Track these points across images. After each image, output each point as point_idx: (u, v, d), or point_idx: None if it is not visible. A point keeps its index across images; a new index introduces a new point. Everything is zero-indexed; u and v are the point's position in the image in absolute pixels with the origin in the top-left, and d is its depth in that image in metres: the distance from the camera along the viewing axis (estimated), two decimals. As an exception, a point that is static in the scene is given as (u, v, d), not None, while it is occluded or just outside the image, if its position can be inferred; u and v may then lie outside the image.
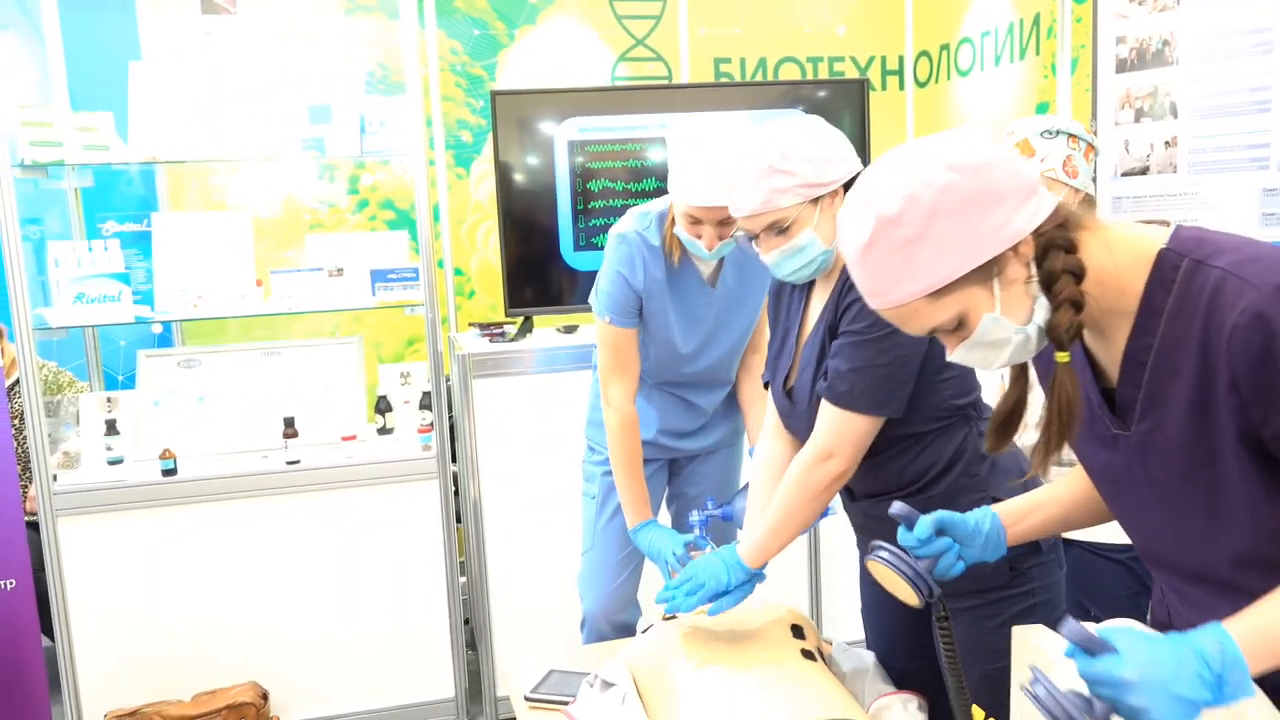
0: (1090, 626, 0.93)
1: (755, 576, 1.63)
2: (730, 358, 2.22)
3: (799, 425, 1.65)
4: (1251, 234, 2.12)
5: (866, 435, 1.53)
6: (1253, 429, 0.97)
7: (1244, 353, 0.94)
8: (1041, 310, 1.03)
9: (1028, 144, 1.91)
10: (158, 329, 3.19)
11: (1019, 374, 1.10)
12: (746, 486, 2.10)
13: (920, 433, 1.56)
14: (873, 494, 1.64)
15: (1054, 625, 1.03)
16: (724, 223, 1.90)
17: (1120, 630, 0.92)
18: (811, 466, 1.55)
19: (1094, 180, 1.90)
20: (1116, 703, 0.89)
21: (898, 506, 1.22)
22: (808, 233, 1.53)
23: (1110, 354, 1.08)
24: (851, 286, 1.52)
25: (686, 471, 2.37)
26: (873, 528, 1.68)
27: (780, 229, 1.54)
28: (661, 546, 2.00)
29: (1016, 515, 1.29)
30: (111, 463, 2.76)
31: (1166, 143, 2.26)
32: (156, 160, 2.75)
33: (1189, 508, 1.06)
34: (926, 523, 1.23)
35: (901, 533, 1.24)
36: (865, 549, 1.75)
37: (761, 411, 2.19)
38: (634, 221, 2.08)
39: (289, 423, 2.77)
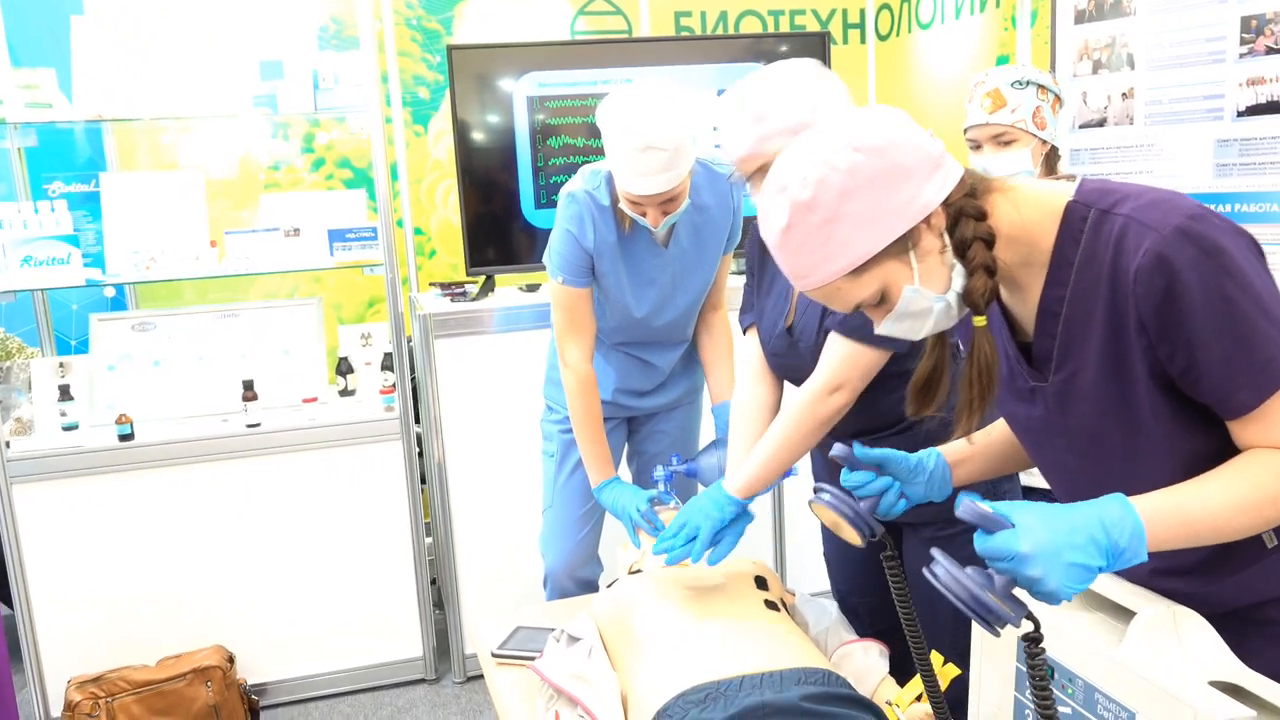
0: (987, 504, 0.95)
1: (745, 513, 1.66)
2: (687, 317, 2.22)
3: (799, 364, 1.68)
4: (1206, 184, 2.14)
5: (874, 368, 1.58)
6: (1163, 367, 1.00)
7: (1149, 294, 0.97)
8: (959, 278, 1.05)
9: (999, 93, 1.90)
10: (110, 292, 3.13)
11: (936, 339, 1.13)
12: (712, 444, 2.11)
13: (912, 369, 1.57)
14: (861, 432, 1.66)
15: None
16: (667, 200, 1.90)
17: (1017, 505, 0.95)
18: (819, 398, 1.58)
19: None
20: (1015, 575, 0.92)
21: (838, 448, 1.22)
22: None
23: (1026, 308, 1.11)
24: None
25: (646, 429, 2.37)
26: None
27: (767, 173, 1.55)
28: (626, 503, 2.01)
29: (961, 456, 1.31)
30: (66, 428, 2.71)
31: (1124, 94, 2.27)
32: (102, 118, 2.68)
33: (1107, 452, 1.09)
34: (866, 460, 1.23)
35: (844, 474, 1.25)
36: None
37: (724, 369, 2.20)
38: (584, 180, 2.05)
39: (248, 386, 2.73)
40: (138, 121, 2.89)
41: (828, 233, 1.03)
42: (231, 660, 2.70)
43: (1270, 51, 2.00)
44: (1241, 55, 2.04)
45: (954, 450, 1.31)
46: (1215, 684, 0.92)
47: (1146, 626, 1.00)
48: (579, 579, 2.32)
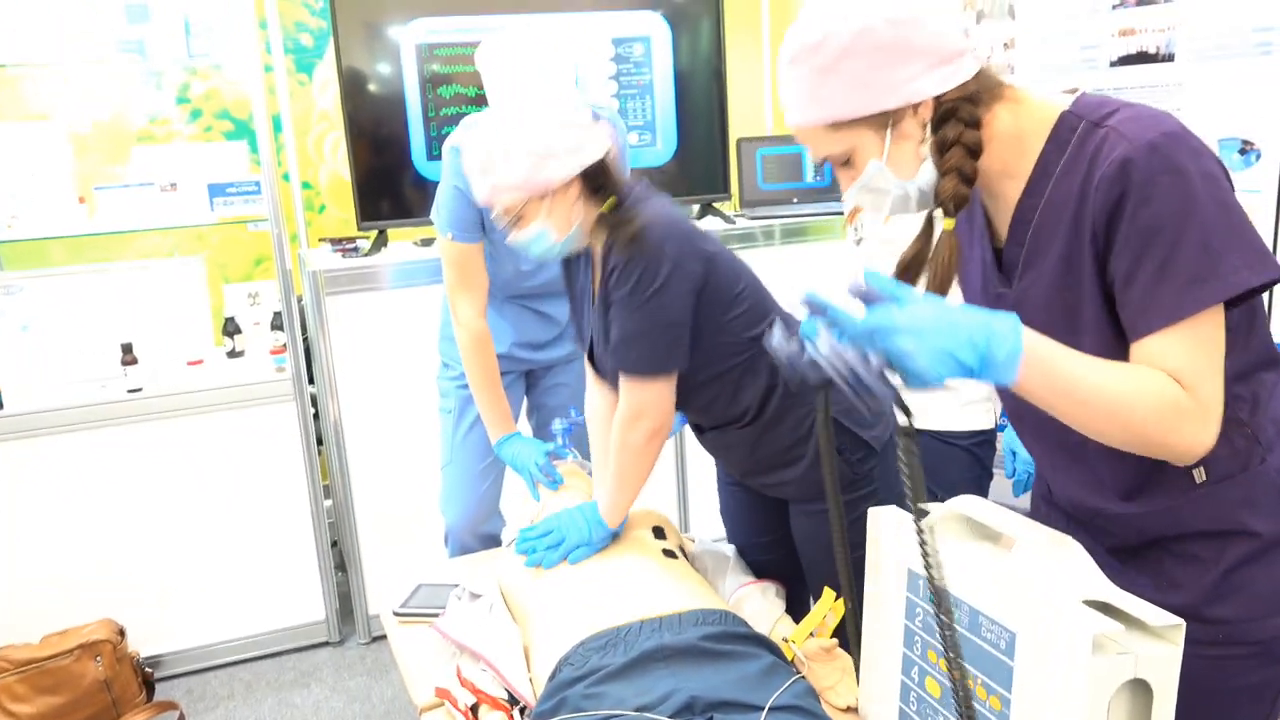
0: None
1: (614, 533, 1.67)
2: None
3: (612, 384, 1.67)
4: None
5: (665, 392, 1.57)
6: (1109, 285, 1.01)
7: (1105, 200, 0.98)
8: (926, 174, 1.06)
9: None
10: (-31, 254, 2.93)
11: (925, 228, 1.13)
12: None
13: (724, 370, 1.59)
14: (715, 426, 1.68)
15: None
16: (516, 217, 1.84)
17: (911, 290, 0.96)
18: (627, 428, 1.59)
19: None
20: (888, 350, 0.92)
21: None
22: (537, 224, 1.56)
23: (1005, 216, 1.12)
24: (611, 249, 1.53)
25: (544, 382, 2.36)
26: (723, 455, 1.76)
27: (515, 219, 1.58)
28: (525, 458, 2.00)
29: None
30: (-73, 400, 2.55)
31: (1005, 44, 2.33)
32: (-50, 65, 2.49)
33: None
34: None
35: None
36: (722, 472, 1.80)
37: None
38: (468, 133, 2.00)
39: (127, 349, 2.61)
40: (-8, 69, 2.69)
41: (820, 80, 1.04)
42: (122, 633, 2.61)
43: (1140, 4, 2.07)
44: (1114, 7, 2.11)
45: None
46: (1088, 603, 0.97)
47: (1025, 552, 1.05)
48: (481, 534, 2.31)
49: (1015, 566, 1.05)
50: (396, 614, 1.75)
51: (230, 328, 2.86)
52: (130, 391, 2.61)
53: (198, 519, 2.72)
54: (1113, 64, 2.14)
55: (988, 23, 2.35)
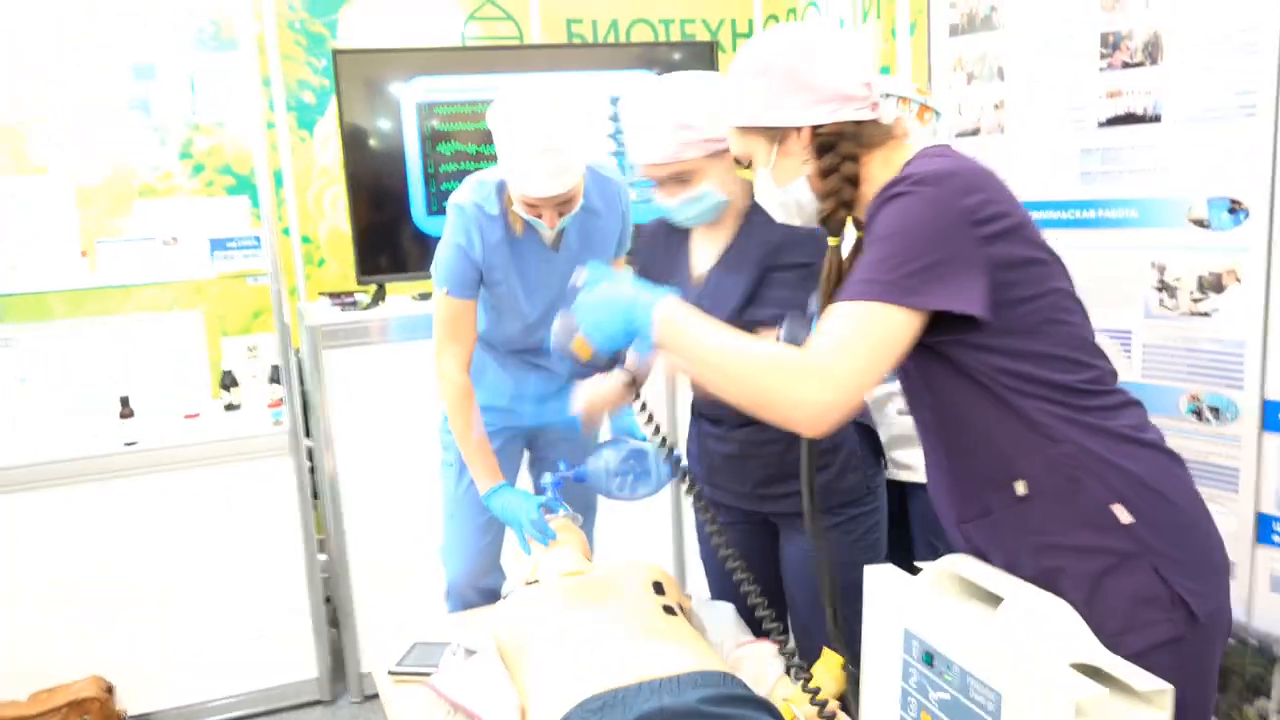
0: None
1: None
2: None
3: None
4: (1072, 191, 2.25)
5: None
6: None
7: (868, 221, 1.20)
8: (797, 189, 1.27)
9: None
10: (-31, 306, 2.94)
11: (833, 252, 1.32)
12: (600, 446, 2.11)
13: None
14: (755, 423, 1.68)
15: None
16: (563, 202, 1.90)
17: (605, 277, 1.30)
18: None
19: (935, 137, 1.98)
20: (580, 325, 1.29)
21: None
22: (707, 184, 1.63)
23: None
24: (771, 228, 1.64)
25: (545, 437, 2.36)
26: (750, 460, 1.76)
27: (682, 179, 1.63)
28: (516, 509, 1.99)
29: None
30: (-78, 453, 2.54)
31: (995, 105, 2.37)
32: (-43, 121, 2.52)
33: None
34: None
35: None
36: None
37: None
38: (471, 192, 2.02)
39: (124, 402, 2.61)
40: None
41: (740, 90, 1.27)
42: (110, 690, 2.57)
43: (1126, 66, 2.12)
44: (1101, 70, 2.16)
45: None
46: (1075, 665, 0.97)
47: (1014, 612, 1.05)
48: (481, 589, 2.29)
49: (1003, 626, 1.05)
50: (392, 673, 1.73)
51: (228, 380, 2.86)
52: (126, 444, 2.61)
53: (191, 573, 2.70)
54: (1101, 124, 2.18)
55: (978, 84, 2.40)
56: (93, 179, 3.15)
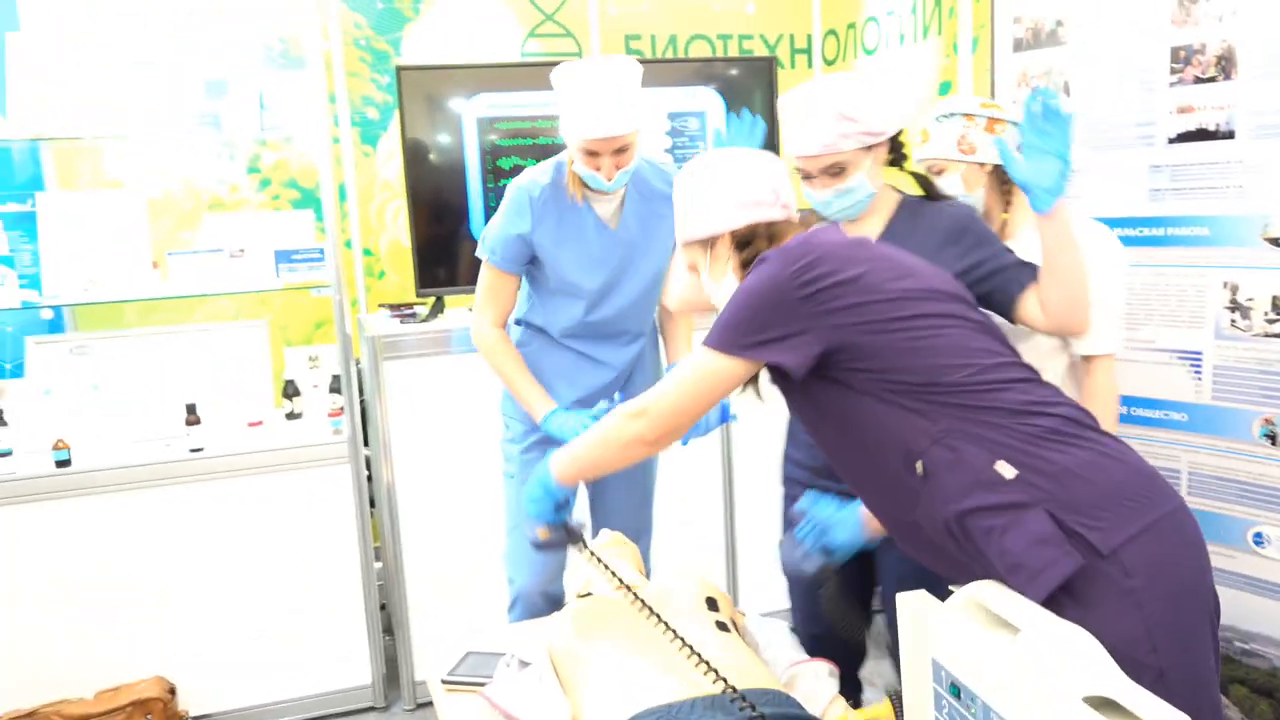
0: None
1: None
2: (639, 307, 2.25)
3: None
4: (1141, 209, 2.20)
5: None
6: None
7: None
8: (730, 281, 1.47)
9: (925, 130, 1.98)
10: (47, 314, 3.04)
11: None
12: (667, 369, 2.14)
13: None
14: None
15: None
16: (620, 150, 2.00)
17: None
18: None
19: (1008, 148, 1.95)
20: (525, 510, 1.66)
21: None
22: (860, 175, 1.71)
23: None
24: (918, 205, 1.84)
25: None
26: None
27: (835, 171, 1.71)
28: (574, 425, 2.06)
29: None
30: (0, 455, 2.63)
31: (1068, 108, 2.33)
32: (38, 137, 2.62)
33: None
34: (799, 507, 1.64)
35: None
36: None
37: (682, 338, 2.36)
38: (533, 171, 2.16)
39: (191, 409, 2.68)
40: (78, 140, 2.83)
41: (677, 211, 1.56)
42: (173, 691, 2.63)
43: (1198, 81, 2.07)
44: (1171, 85, 2.11)
45: None
46: (1090, 699, 0.94)
47: (1033, 642, 1.04)
48: (550, 595, 2.30)
49: (1021, 658, 1.03)
50: (445, 682, 1.74)
51: (290, 390, 2.92)
52: (192, 451, 2.67)
53: (250, 577, 2.75)
54: (1171, 140, 2.13)
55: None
56: (164, 193, 3.25)
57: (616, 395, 2.15)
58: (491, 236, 2.17)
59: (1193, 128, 2.09)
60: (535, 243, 2.13)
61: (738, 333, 1.36)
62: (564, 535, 1.65)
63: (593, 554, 1.66)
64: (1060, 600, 1.20)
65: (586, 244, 2.14)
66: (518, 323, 2.31)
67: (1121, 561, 1.22)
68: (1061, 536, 1.22)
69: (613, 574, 1.62)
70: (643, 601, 1.53)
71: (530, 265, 2.20)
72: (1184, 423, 2.16)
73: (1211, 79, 2.05)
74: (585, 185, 2.08)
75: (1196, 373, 2.13)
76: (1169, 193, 2.16)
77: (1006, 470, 1.26)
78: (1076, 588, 1.22)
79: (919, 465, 1.31)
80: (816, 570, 1.54)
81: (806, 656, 1.67)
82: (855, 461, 1.43)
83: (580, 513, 2.22)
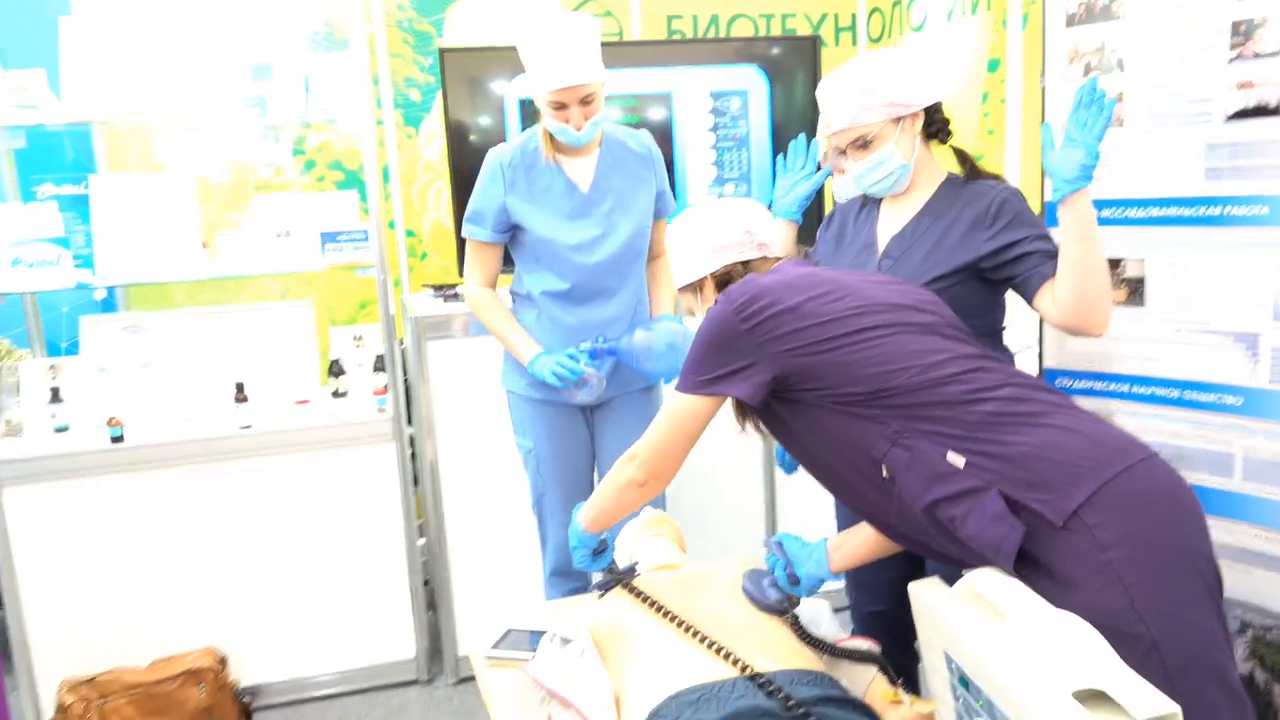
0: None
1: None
2: (620, 264, 2.30)
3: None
4: (1197, 188, 2.15)
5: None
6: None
7: None
8: None
9: None
10: (100, 294, 3.11)
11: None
12: (634, 327, 2.26)
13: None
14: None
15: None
16: (585, 100, 2.08)
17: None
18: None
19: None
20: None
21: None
22: (888, 147, 1.71)
23: None
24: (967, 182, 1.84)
25: (604, 419, 2.42)
26: None
27: (863, 144, 1.72)
28: (550, 365, 2.20)
29: (838, 542, 1.64)
30: (57, 431, 2.70)
31: (1116, 97, 2.28)
32: (90, 120, 2.67)
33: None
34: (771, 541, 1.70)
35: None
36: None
37: (665, 288, 2.44)
38: (507, 143, 2.28)
39: (240, 387, 2.73)
40: (127, 123, 2.88)
41: (672, 259, 1.69)
42: (224, 662, 2.70)
43: (1259, 56, 2.01)
44: (1230, 60, 2.05)
45: (833, 539, 1.66)
46: (1081, 692, 0.94)
47: (1028, 633, 1.04)
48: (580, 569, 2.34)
49: (1016, 650, 1.02)
50: (488, 657, 1.77)
51: (335, 369, 2.96)
52: (241, 428, 2.72)
53: (298, 552, 2.80)
54: (1229, 118, 2.07)
55: (1096, 76, 2.31)
56: (213, 175, 3.30)
57: (600, 338, 2.25)
58: (470, 209, 2.29)
59: (1252, 104, 2.03)
60: (509, 207, 2.23)
61: (695, 373, 1.48)
62: (612, 579, 1.73)
63: (635, 591, 1.67)
64: (1043, 582, 1.24)
65: (558, 204, 2.23)
66: (511, 296, 2.44)
67: (1094, 535, 1.23)
68: (1008, 511, 1.28)
69: (653, 605, 1.61)
70: (678, 624, 1.53)
71: (514, 234, 2.30)
72: (1239, 406, 2.11)
73: (1273, 54, 1.99)
74: (559, 146, 2.18)
75: (1253, 355, 2.08)
76: (1227, 171, 2.10)
77: (957, 460, 1.33)
78: (1056, 569, 1.24)
79: (884, 468, 1.39)
80: (777, 600, 1.61)
81: (848, 634, 1.67)
82: (834, 475, 1.52)
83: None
